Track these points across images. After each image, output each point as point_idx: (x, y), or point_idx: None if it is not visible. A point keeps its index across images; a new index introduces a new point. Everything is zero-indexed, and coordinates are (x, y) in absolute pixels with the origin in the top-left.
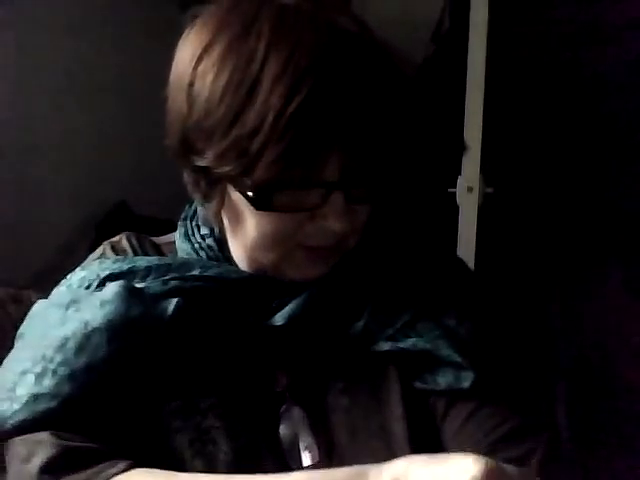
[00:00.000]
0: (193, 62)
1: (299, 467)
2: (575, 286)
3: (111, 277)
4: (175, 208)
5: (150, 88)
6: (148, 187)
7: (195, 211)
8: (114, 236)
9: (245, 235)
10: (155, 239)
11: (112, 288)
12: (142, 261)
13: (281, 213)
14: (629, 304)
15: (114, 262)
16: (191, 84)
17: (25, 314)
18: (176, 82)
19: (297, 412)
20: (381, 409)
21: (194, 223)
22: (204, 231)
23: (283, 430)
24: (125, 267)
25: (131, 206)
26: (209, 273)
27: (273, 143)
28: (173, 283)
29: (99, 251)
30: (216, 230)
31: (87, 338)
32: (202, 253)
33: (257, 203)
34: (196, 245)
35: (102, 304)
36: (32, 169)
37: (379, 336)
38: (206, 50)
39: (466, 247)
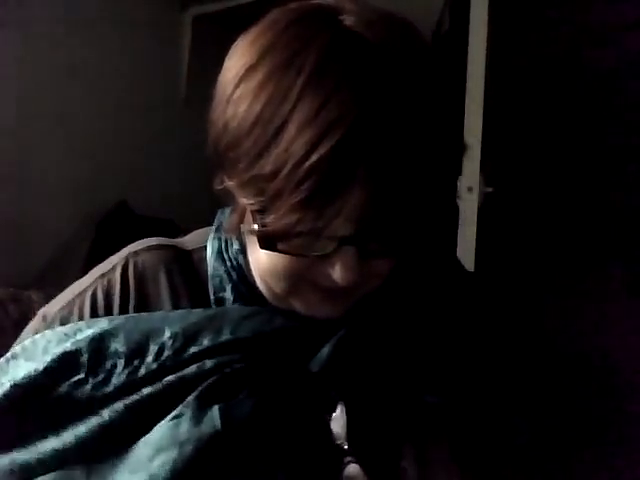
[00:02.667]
0: (235, 81)
1: None
2: (575, 286)
3: (134, 350)
4: (175, 208)
5: (150, 88)
6: (148, 187)
7: None
8: (114, 236)
9: (259, 260)
10: (182, 244)
11: (160, 435)
12: (164, 322)
13: None
14: (629, 304)
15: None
16: (227, 105)
17: (25, 314)
18: (219, 94)
19: (355, 468)
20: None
21: (229, 235)
22: (236, 246)
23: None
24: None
25: (131, 206)
26: (242, 334)
27: (288, 192)
28: (209, 364)
29: (89, 279)
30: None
31: None
32: (234, 274)
33: (262, 243)
34: (228, 264)
35: (157, 451)
36: (32, 168)
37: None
38: (248, 73)
39: (466, 247)
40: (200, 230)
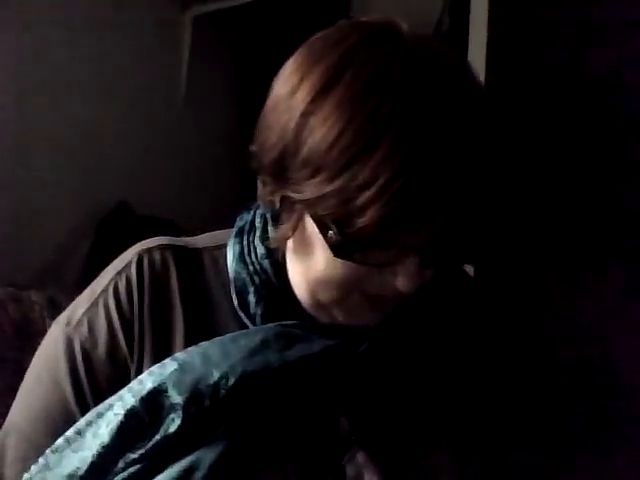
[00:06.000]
0: (312, 94)
1: None
2: (575, 286)
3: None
4: (175, 208)
5: (150, 88)
6: (148, 187)
7: (252, 223)
8: (114, 236)
9: (310, 268)
10: (192, 244)
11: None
12: (210, 365)
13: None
14: (629, 304)
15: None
16: (305, 116)
17: (25, 314)
18: (283, 104)
19: (362, 456)
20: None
21: (251, 238)
22: (261, 250)
23: (349, 472)
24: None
25: (131, 206)
26: (290, 358)
27: (379, 204)
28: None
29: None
30: (277, 253)
31: None
32: (256, 278)
33: (337, 251)
34: (251, 268)
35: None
36: (32, 169)
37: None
38: (329, 89)
39: None
40: (214, 232)
